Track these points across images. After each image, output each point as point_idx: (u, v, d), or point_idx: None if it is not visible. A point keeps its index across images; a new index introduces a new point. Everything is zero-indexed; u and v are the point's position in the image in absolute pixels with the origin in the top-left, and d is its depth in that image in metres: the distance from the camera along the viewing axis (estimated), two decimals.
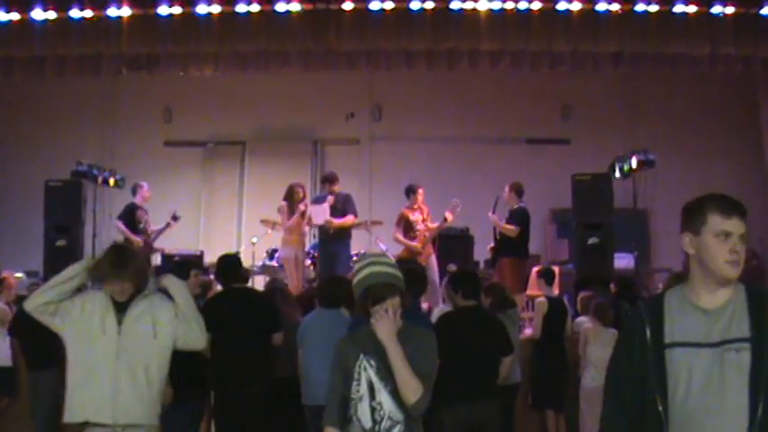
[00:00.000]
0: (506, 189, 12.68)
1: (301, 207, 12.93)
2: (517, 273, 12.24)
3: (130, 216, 13.35)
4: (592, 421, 8.97)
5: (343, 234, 12.99)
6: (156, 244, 13.74)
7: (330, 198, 12.84)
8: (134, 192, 13.64)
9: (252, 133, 18.00)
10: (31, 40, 13.43)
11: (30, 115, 17.52)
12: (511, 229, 12.28)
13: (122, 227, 13.28)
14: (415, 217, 12.93)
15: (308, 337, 7.42)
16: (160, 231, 13.71)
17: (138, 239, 13.16)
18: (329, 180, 13.15)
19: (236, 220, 17.63)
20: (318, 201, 13.12)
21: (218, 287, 8.86)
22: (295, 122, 17.89)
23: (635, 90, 17.61)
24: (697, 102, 17.30)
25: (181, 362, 7.60)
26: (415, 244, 12.70)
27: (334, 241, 12.88)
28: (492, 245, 12.86)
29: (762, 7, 13.29)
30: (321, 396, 7.16)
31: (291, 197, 13.03)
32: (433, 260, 12.82)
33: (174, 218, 13.78)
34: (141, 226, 13.38)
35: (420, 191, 13.08)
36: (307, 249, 14.09)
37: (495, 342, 7.20)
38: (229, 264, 8.18)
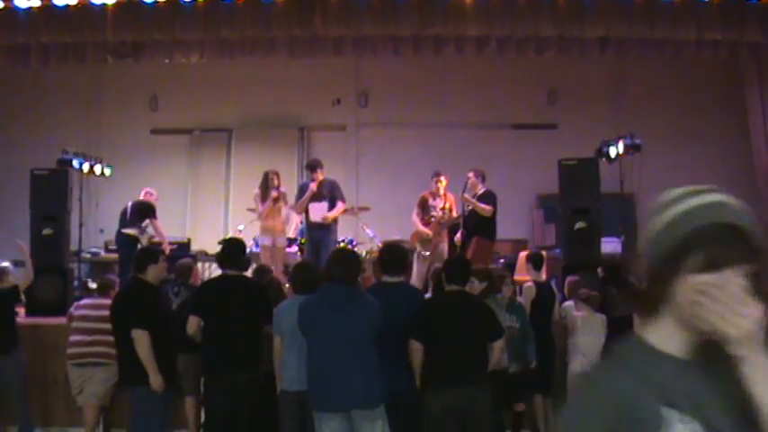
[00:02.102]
0: (471, 174, 12.71)
1: (273, 194, 12.90)
2: (485, 253, 12.31)
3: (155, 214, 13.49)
4: None
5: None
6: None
7: (312, 185, 12.78)
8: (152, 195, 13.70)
9: (238, 120, 17.98)
10: (15, 27, 13.33)
11: (15, 103, 17.47)
12: (487, 209, 12.34)
13: (161, 227, 13.60)
14: (434, 201, 12.94)
15: (285, 324, 7.42)
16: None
17: (167, 242, 13.45)
18: (312, 167, 13.11)
19: (223, 208, 17.61)
20: (302, 188, 13.06)
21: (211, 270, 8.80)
22: (281, 109, 17.87)
23: (621, 75, 17.65)
24: (683, 86, 17.35)
25: (156, 346, 7.77)
26: (426, 230, 12.78)
27: (320, 228, 12.85)
28: (461, 232, 12.86)
29: None
30: (300, 382, 7.23)
31: (265, 184, 13.03)
32: (443, 248, 12.88)
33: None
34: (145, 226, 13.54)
35: (438, 178, 13.06)
36: (293, 236, 14.10)
37: (482, 327, 7.21)
38: (230, 249, 8.20)
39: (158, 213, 13.82)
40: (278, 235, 13.06)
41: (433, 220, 12.85)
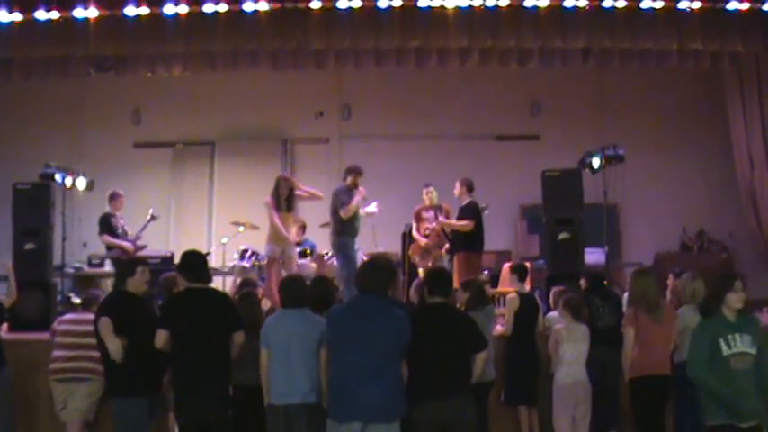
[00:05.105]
0: (457, 185, 12.87)
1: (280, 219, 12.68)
2: (472, 266, 12.38)
3: (108, 226, 13.41)
4: (565, 417, 9.00)
5: None
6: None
7: (362, 189, 12.62)
8: (110, 200, 13.63)
9: (221, 133, 17.93)
10: None
11: None
12: (465, 225, 12.54)
13: (110, 239, 13.43)
14: (427, 214, 13.14)
15: (272, 338, 7.41)
16: (142, 230, 13.81)
17: (128, 245, 13.29)
18: (359, 171, 12.95)
19: (206, 221, 17.55)
20: (341, 193, 12.80)
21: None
22: (264, 122, 17.85)
23: (604, 86, 17.69)
24: (666, 97, 17.39)
25: (138, 355, 7.76)
26: (425, 241, 13.07)
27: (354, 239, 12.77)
28: (447, 246, 12.98)
29: (727, 2, 13.41)
30: (287, 396, 7.24)
31: (277, 191, 12.57)
32: (443, 258, 12.98)
33: (153, 217, 13.94)
34: (119, 232, 13.45)
35: (425, 190, 13.23)
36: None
37: (464, 338, 7.18)
38: (192, 262, 8.16)
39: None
40: (290, 245, 12.86)
41: (428, 231, 12.97)
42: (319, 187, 13.53)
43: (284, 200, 12.55)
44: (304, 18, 13.36)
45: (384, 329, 6.69)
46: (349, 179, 12.78)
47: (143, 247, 13.85)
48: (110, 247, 13.49)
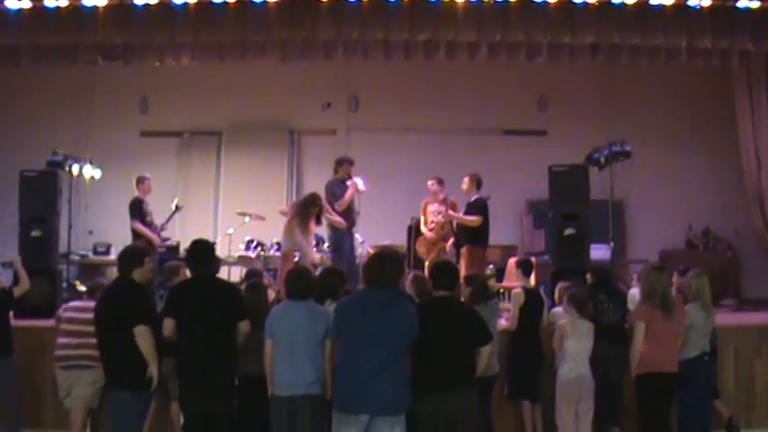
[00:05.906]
0: (466, 180, 12.87)
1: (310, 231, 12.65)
2: (477, 260, 12.46)
3: (140, 212, 13.26)
4: (568, 412, 8.99)
5: None
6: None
7: (353, 180, 12.81)
8: (138, 183, 13.51)
9: (228, 123, 17.94)
10: (6, 28, 13.31)
11: (4, 105, 17.38)
12: (473, 220, 12.57)
13: (141, 227, 13.14)
14: (433, 207, 13.26)
15: (277, 328, 7.41)
16: (168, 221, 13.77)
17: (155, 237, 13.17)
18: (352, 162, 13.20)
19: (213, 211, 17.56)
20: (336, 185, 12.92)
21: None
22: (271, 113, 17.84)
23: (612, 82, 17.65)
24: (674, 94, 17.38)
25: (136, 350, 7.73)
26: (431, 234, 13.24)
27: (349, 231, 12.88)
28: (452, 241, 13.02)
29: (738, 0, 13.37)
30: (291, 387, 7.24)
31: (306, 210, 12.53)
32: (448, 251, 13.04)
33: (177, 208, 13.96)
34: (148, 219, 13.33)
35: (429, 182, 13.31)
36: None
37: (469, 332, 7.17)
38: (199, 252, 8.16)
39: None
40: (308, 236, 12.72)
41: (433, 224, 13.02)
42: (326, 178, 13.53)
43: (312, 217, 12.58)
44: (312, 9, 13.32)
45: (393, 323, 6.67)
46: (340, 171, 12.87)
47: (167, 239, 13.82)
48: (138, 235, 13.20)
